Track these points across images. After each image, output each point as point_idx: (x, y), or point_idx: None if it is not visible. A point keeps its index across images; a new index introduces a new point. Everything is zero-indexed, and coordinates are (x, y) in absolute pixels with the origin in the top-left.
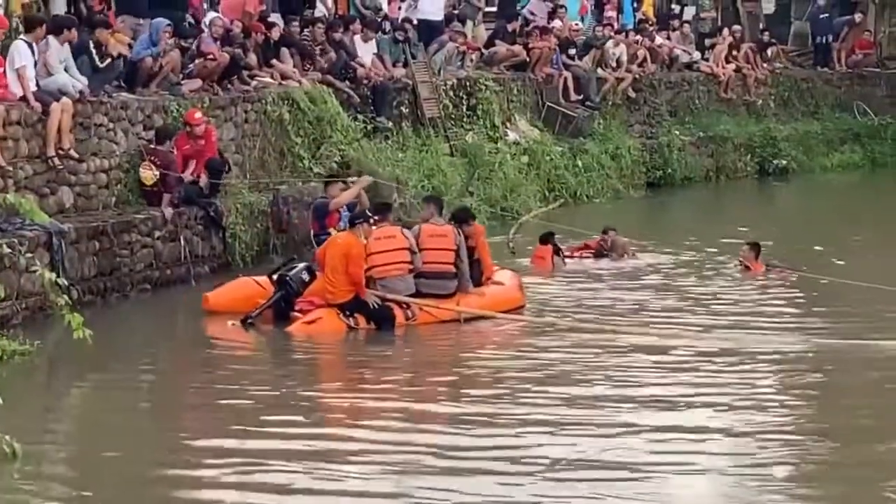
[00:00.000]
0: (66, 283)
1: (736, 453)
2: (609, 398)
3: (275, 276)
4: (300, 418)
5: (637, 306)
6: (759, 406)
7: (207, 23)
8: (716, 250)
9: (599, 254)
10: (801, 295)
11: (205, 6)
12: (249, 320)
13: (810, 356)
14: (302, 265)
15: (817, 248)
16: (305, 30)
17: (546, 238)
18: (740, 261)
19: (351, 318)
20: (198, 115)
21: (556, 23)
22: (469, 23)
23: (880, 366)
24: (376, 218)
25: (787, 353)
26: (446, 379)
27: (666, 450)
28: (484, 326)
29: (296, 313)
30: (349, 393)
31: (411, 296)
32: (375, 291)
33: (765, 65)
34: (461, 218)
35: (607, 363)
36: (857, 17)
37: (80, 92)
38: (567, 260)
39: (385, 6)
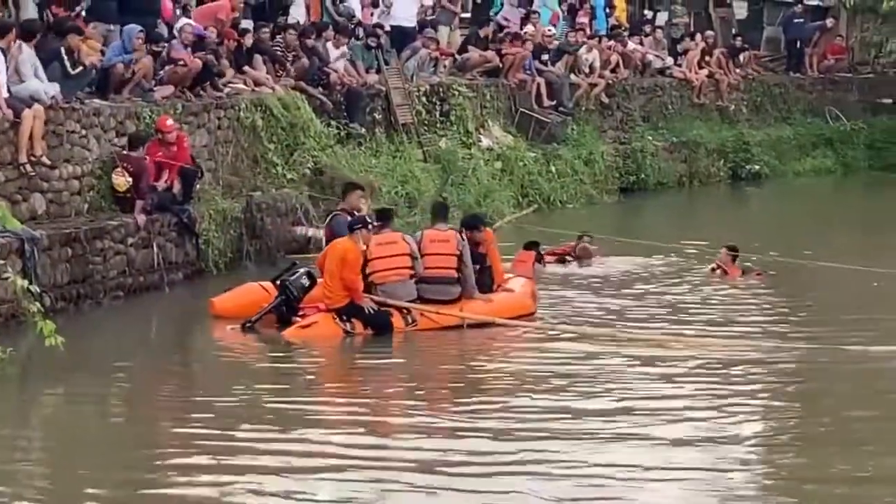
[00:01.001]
0: (38, 290)
1: (709, 467)
2: (594, 409)
3: (278, 282)
4: (275, 430)
5: (619, 312)
6: (738, 414)
7: (178, 29)
8: (691, 255)
9: (563, 259)
10: (779, 299)
11: (177, 12)
12: (249, 324)
13: (796, 363)
14: (302, 270)
15: (792, 251)
16: (278, 36)
17: (530, 245)
18: (717, 265)
19: (348, 324)
20: (169, 122)
21: (529, 27)
22: (443, 28)
23: (863, 372)
24: (376, 224)
25: (771, 359)
26: (432, 389)
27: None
28: (486, 332)
29: (297, 318)
30: (327, 403)
31: (413, 301)
32: (375, 297)
33: (737, 70)
34: (471, 224)
35: (600, 372)
36: (829, 22)
37: (53, 98)
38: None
39: (358, 12)
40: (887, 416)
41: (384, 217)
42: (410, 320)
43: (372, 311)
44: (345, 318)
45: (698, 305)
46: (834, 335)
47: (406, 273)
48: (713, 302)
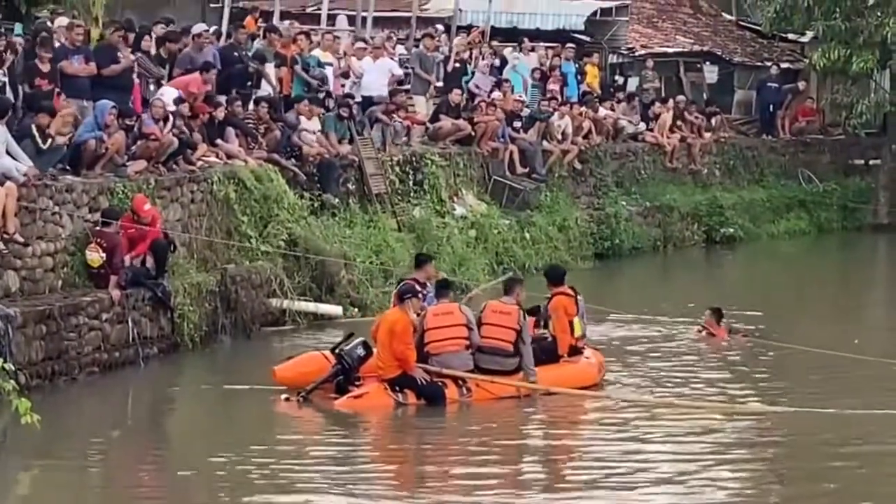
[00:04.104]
0: (13, 367)
1: None
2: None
3: (336, 351)
4: None
5: (621, 376)
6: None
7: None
8: (672, 318)
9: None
10: (765, 360)
11: (151, 88)
12: (304, 395)
13: (799, 424)
14: (358, 340)
15: (769, 314)
16: (249, 108)
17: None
18: (702, 327)
19: (400, 394)
20: (147, 206)
21: (496, 93)
22: (418, 98)
23: (855, 434)
24: (425, 293)
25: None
26: (466, 471)
27: None
28: (542, 403)
29: (352, 388)
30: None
31: (470, 372)
32: (429, 367)
33: (709, 134)
34: (553, 276)
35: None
36: (801, 84)
37: (25, 175)
38: None
39: (331, 80)
40: None
41: (443, 288)
42: (465, 391)
43: (424, 382)
44: (397, 388)
45: (705, 369)
46: (832, 396)
47: (462, 343)
48: (717, 365)
